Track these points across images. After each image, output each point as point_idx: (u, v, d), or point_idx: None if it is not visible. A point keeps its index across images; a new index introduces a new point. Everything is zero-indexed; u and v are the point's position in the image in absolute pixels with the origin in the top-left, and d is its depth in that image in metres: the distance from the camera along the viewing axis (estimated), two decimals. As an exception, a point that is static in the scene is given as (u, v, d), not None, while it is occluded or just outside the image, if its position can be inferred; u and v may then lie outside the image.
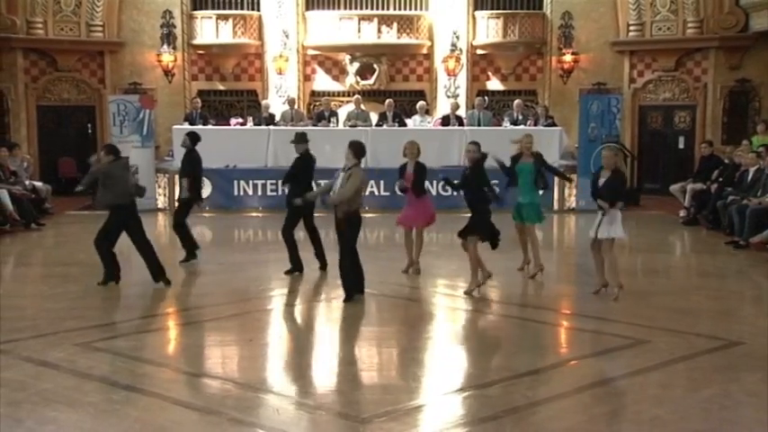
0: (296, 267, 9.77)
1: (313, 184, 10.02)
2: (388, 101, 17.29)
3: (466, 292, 8.76)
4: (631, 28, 19.23)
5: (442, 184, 10.79)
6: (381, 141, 15.57)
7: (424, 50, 19.79)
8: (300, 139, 9.93)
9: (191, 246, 10.64)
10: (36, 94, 19.07)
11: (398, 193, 10.32)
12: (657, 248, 12.49)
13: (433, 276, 9.95)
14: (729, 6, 18.31)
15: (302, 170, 9.84)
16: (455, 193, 9.97)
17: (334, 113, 17.13)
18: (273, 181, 15.32)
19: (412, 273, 9.91)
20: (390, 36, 19.28)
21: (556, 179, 15.47)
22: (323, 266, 9.89)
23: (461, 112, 17.57)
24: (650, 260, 11.58)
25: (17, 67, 18.64)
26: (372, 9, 19.46)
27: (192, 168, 10.69)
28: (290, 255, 9.76)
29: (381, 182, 15.13)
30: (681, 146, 19.28)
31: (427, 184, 10.53)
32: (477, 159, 8.81)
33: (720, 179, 13.98)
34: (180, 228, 10.60)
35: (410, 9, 19.57)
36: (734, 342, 6.99)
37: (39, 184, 15.71)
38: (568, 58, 19.45)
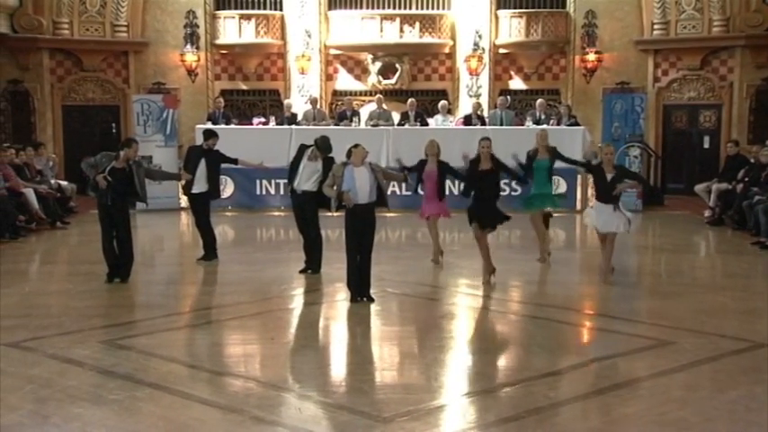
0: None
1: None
2: (410, 100, 17.27)
3: (485, 282, 9.22)
4: (656, 26, 19.07)
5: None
6: (403, 141, 15.55)
7: (447, 50, 19.75)
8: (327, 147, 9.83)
9: (212, 247, 10.70)
10: (61, 94, 19.29)
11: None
12: (682, 249, 12.37)
13: (455, 276, 9.94)
14: (756, 4, 18.13)
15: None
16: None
17: (356, 113, 17.15)
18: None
19: (441, 261, 10.34)
20: (413, 35, 19.27)
21: (578, 179, 15.51)
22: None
23: (484, 111, 17.51)
24: (675, 260, 11.48)
25: (43, 67, 18.88)
26: (394, 8, 19.46)
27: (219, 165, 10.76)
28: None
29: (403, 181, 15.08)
30: (706, 145, 19.10)
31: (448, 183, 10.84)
32: (494, 156, 9.34)
33: (746, 179, 13.82)
34: (208, 227, 10.70)
35: (432, 8, 19.55)
36: (760, 344, 6.89)
37: (64, 183, 15.88)
38: (592, 57, 19.32)
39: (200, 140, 12.72)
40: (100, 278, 9.30)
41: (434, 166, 10.11)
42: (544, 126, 15.85)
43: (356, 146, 8.38)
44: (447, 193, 10.86)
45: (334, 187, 8.25)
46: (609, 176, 9.10)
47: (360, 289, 8.41)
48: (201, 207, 10.70)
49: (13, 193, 13.10)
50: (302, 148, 9.88)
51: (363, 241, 8.33)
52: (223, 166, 10.88)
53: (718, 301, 8.76)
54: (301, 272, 9.88)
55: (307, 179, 9.70)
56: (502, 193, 10.31)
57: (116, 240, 9.27)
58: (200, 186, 10.55)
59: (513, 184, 14.01)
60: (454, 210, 10.53)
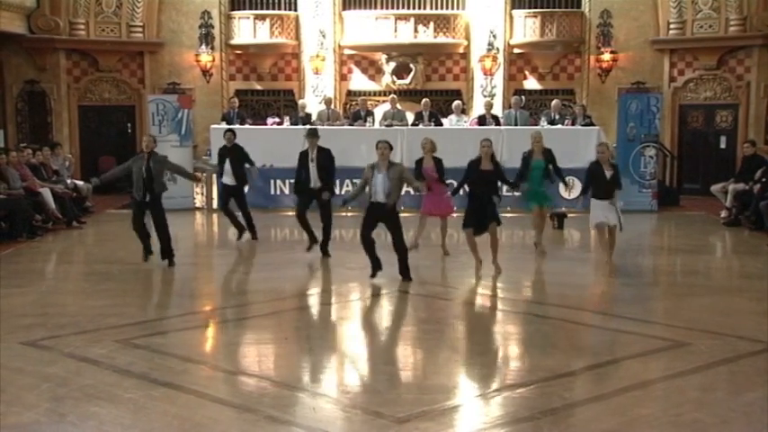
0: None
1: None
2: (424, 100, 17.24)
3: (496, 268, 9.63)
4: (672, 26, 18.97)
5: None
6: (417, 141, 15.47)
7: (461, 50, 19.73)
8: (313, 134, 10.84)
9: (238, 225, 12.10)
10: (78, 95, 19.44)
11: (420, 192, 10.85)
12: (698, 249, 12.30)
13: (469, 276, 9.91)
14: (773, 4, 17.99)
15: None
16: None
17: (370, 113, 17.13)
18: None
19: (443, 254, 10.83)
20: (427, 35, 19.27)
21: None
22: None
23: (498, 111, 17.45)
24: (691, 261, 11.41)
25: (60, 67, 19.03)
26: (409, 8, 19.47)
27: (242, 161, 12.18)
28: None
29: (417, 181, 15.08)
30: (722, 146, 18.97)
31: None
32: (494, 157, 9.85)
33: (763, 179, 13.73)
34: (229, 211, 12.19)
35: (447, 8, 19.54)
36: (777, 345, 6.86)
37: (80, 182, 15.97)
38: (607, 56, 19.25)
39: (214, 141, 13.43)
40: (116, 277, 9.36)
41: (431, 162, 10.70)
42: (560, 126, 15.84)
43: (383, 142, 9.10)
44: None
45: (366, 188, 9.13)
46: (608, 174, 9.74)
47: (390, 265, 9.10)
48: (238, 197, 12.11)
49: (29, 192, 13.19)
50: (303, 156, 10.68)
51: (390, 232, 9.08)
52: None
53: (734, 302, 8.70)
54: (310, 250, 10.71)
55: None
56: (507, 194, 10.67)
57: (155, 230, 9.95)
58: (228, 179, 12.12)
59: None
60: (457, 209, 10.82)
